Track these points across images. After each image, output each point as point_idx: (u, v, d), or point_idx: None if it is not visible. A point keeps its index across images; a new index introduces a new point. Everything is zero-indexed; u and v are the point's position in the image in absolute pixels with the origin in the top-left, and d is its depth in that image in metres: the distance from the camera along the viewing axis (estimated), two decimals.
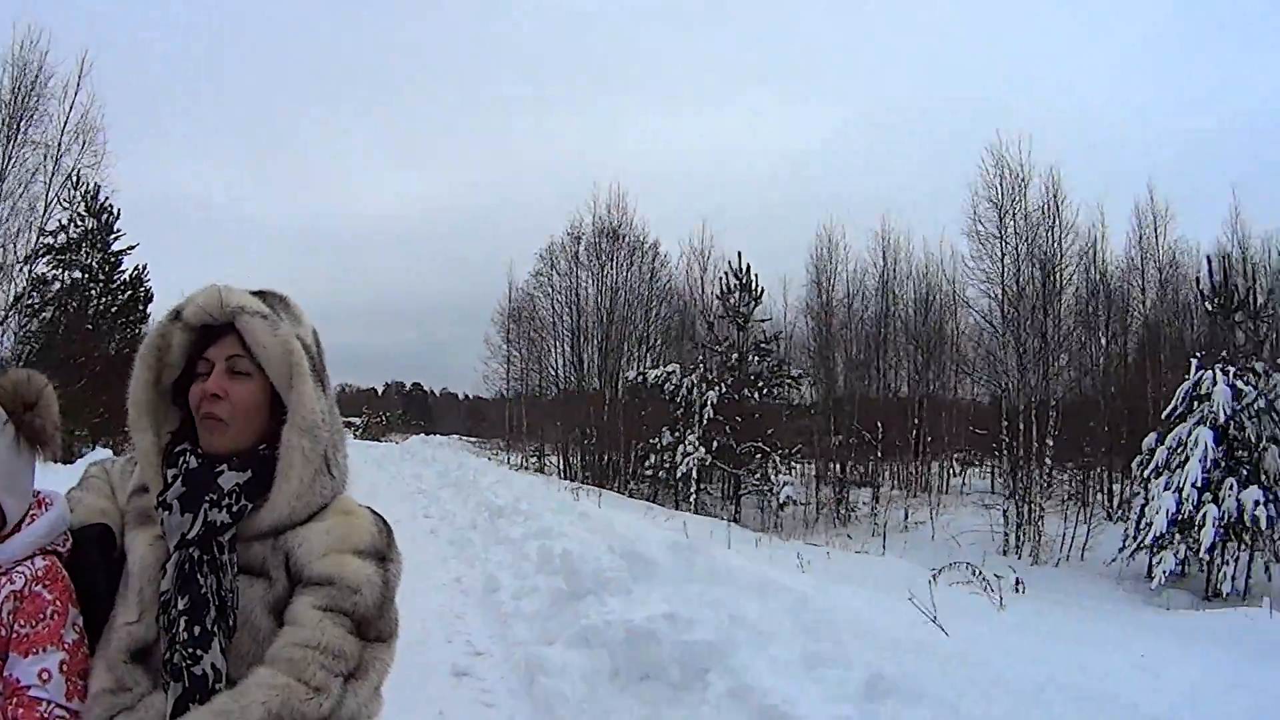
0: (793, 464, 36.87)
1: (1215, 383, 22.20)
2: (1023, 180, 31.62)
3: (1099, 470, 32.86)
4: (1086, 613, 15.10)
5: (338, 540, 1.85)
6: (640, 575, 7.28)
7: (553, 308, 43.05)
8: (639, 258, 40.69)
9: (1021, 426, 30.48)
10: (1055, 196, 31.82)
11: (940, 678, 5.11)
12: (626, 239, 40.53)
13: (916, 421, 38.86)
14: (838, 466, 37.02)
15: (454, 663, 6.67)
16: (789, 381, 37.29)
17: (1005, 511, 29.04)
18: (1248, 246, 34.81)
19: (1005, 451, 31.23)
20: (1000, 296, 31.87)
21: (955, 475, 40.15)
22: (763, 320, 37.76)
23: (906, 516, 32.87)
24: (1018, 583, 16.40)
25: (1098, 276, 35.21)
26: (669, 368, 36.24)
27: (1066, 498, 30.08)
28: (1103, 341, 35.86)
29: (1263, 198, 53.38)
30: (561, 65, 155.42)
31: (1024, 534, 28.69)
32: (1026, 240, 31.75)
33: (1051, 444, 30.19)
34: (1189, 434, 22.48)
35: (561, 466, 41.32)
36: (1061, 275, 32.12)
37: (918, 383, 41.61)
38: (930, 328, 41.35)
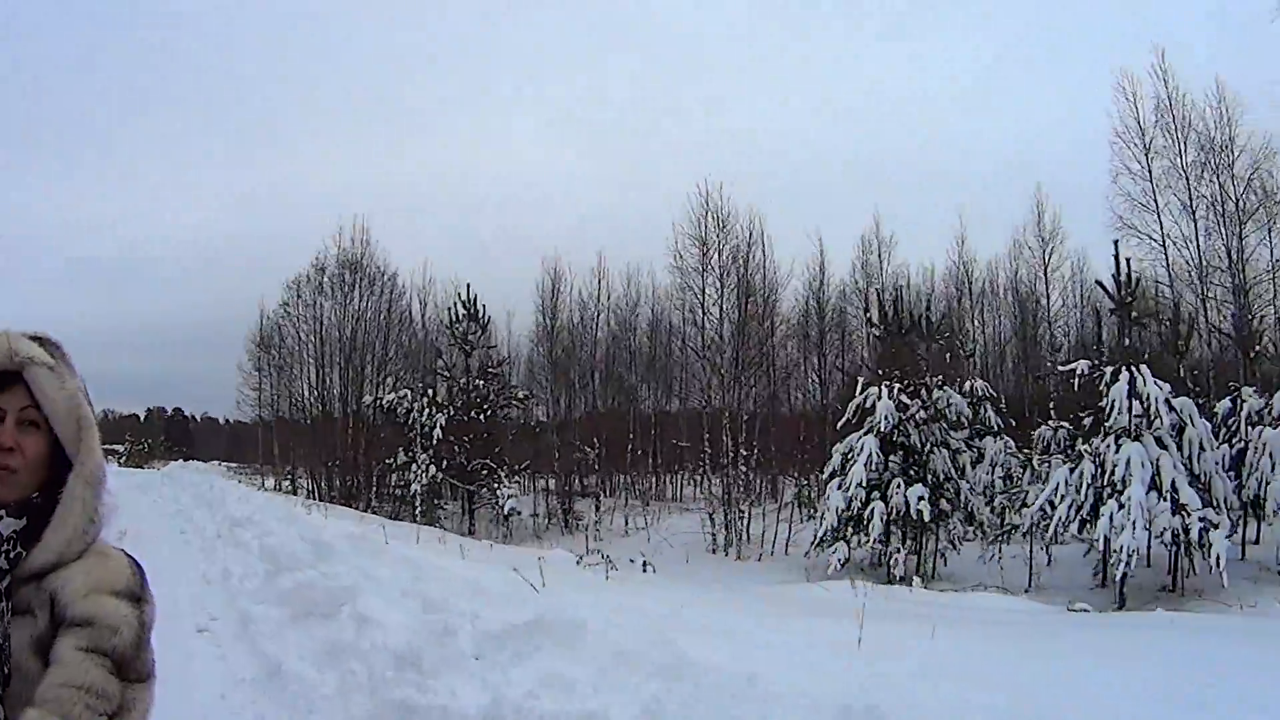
0: (523, 478, 39.77)
1: (880, 397, 26.03)
2: (723, 221, 36.07)
3: (813, 474, 35.62)
4: (709, 586, 19.40)
5: (96, 581, 1.86)
6: (322, 556, 10.89)
7: (299, 336, 44.48)
8: (379, 288, 42.50)
9: (724, 439, 34.41)
10: (760, 234, 36.81)
11: (484, 604, 9.04)
12: (368, 270, 42.27)
13: (632, 436, 42.16)
14: (568, 480, 40.05)
15: (197, 624, 9.49)
16: (515, 403, 39.77)
17: (711, 515, 32.57)
18: (973, 269, 40.50)
19: (708, 461, 35.65)
20: (702, 323, 36.07)
21: (690, 484, 43.10)
22: (490, 347, 40.23)
23: (627, 522, 36.46)
24: (645, 565, 20.70)
25: (815, 302, 40.16)
26: (401, 393, 37.88)
27: (789, 501, 33.74)
28: (820, 360, 40.48)
29: (989, 222, 59.43)
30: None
31: (730, 534, 32.37)
32: (731, 273, 36.13)
33: (746, 453, 34.43)
34: (858, 442, 26.14)
35: (311, 488, 42.65)
36: (761, 303, 36.64)
37: (646, 401, 45.62)
38: (660, 349, 45.25)
